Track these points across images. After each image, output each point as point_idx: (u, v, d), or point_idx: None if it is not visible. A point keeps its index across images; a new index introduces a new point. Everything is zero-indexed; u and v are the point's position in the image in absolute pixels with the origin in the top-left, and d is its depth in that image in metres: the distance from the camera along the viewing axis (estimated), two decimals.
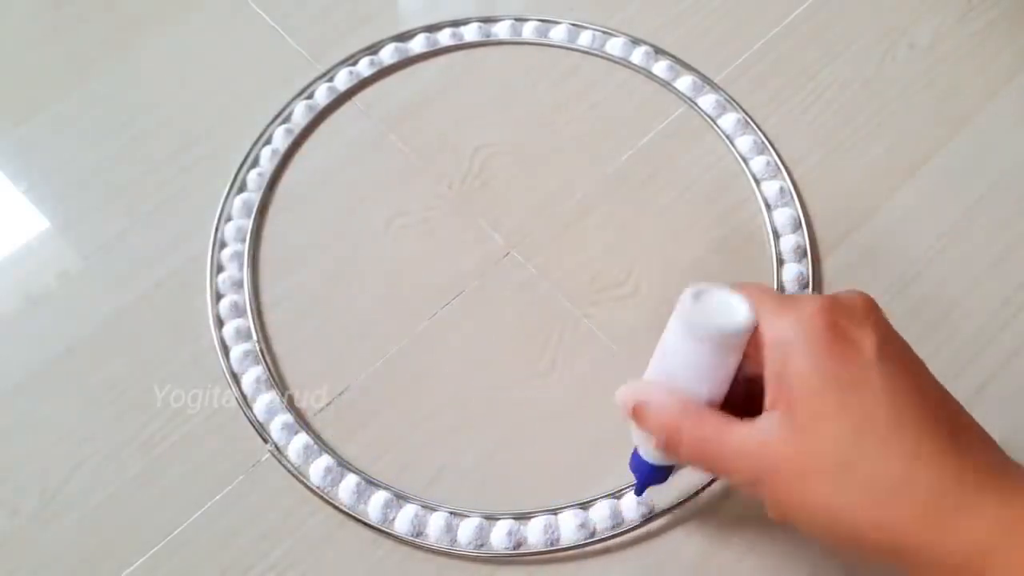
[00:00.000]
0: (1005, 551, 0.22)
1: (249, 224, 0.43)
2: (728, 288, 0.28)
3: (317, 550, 0.36)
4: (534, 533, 0.36)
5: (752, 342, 0.27)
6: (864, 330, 0.25)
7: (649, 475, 0.31)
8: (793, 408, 0.25)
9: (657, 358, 0.29)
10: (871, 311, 0.26)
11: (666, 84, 0.47)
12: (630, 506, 0.36)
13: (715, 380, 0.27)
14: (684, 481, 0.37)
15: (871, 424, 0.24)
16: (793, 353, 0.25)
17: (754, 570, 0.35)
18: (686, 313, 0.27)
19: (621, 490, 0.37)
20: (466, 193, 0.44)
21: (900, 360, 0.26)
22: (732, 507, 0.37)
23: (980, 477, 0.23)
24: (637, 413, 0.28)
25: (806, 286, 0.42)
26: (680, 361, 0.28)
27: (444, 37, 0.49)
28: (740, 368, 0.27)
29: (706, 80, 0.47)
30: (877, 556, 0.24)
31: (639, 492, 0.33)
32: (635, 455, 0.32)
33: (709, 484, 0.37)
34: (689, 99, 0.47)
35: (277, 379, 0.39)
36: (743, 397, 0.28)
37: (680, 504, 0.36)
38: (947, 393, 0.26)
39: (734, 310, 0.27)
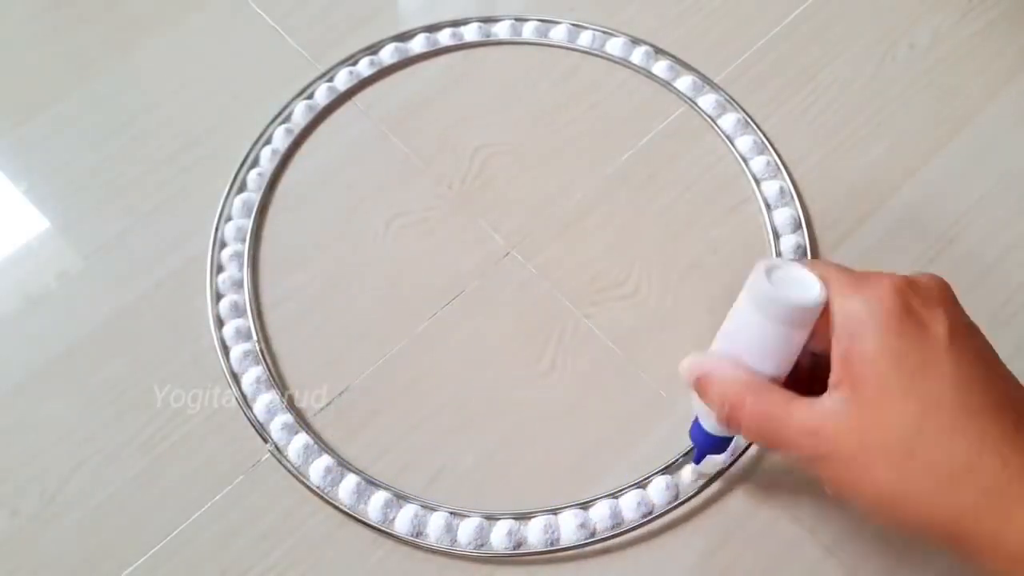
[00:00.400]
0: None
1: (249, 224, 0.43)
2: (800, 264, 0.28)
3: (317, 550, 0.36)
4: (534, 533, 0.36)
5: (821, 319, 0.26)
6: (936, 313, 0.25)
7: (708, 446, 0.32)
8: (858, 388, 0.25)
9: (724, 332, 0.29)
10: (944, 294, 0.26)
11: (666, 84, 0.47)
12: (630, 506, 0.36)
13: (782, 356, 0.27)
14: (683, 481, 0.37)
15: (937, 409, 0.24)
16: (862, 332, 0.25)
17: (753, 571, 0.35)
18: (759, 287, 0.27)
19: (621, 490, 0.37)
20: (466, 193, 0.44)
21: (970, 345, 0.25)
22: (732, 507, 0.37)
23: None
24: (700, 385, 0.28)
25: None
26: (748, 335, 0.27)
27: (444, 37, 0.49)
28: (806, 344, 0.27)
29: (706, 80, 0.47)
30: (937, 541, 0.24)
31: (698, 461, 0.34)
32: (695, 425, 0.32)
33: (709, 484, 0.37)
34: (689, 99, 0.47)
35: (277, 379, 0.39)
36: (807, 374, 0.28)
37: (680, 504, 0.36)
38: (1015, 379, 0.26)
39: (806, 286, 0.27)
